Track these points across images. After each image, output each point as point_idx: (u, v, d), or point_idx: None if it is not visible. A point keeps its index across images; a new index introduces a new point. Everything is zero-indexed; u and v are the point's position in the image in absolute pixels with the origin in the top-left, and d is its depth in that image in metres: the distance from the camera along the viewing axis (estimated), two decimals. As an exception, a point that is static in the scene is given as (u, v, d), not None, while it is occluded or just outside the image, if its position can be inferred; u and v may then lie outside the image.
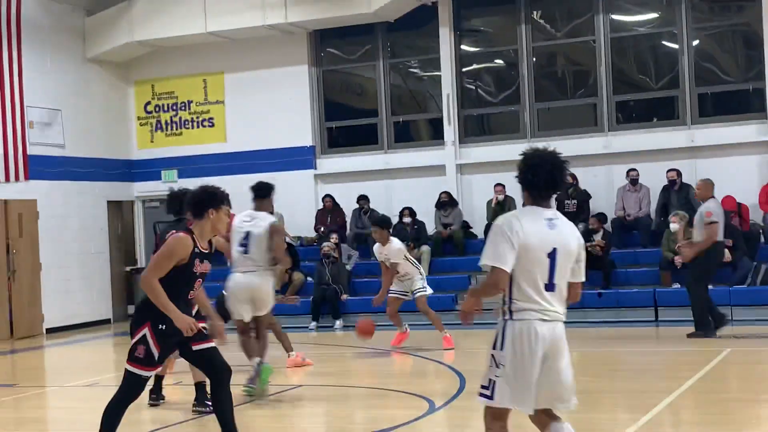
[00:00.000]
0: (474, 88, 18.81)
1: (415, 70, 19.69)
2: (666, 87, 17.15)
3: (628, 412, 7.99)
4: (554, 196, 5.35)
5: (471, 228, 17.60)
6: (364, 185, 18.34)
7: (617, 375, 10.46)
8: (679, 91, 16.84)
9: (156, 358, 6.15)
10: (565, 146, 17.25)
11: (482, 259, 5.22)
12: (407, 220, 17.28)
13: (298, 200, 18.59)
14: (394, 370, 11.61)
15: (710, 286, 13.01)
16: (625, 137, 17.04)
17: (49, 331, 17.12)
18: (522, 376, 5.06)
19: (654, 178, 16.29)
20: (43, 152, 17.62)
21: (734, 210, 15.35)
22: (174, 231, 6.51)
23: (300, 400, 9.54)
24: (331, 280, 16.36)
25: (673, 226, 14.67)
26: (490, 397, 5.15)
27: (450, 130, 17.94)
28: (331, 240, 16.89)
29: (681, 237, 14.21)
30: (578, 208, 16.36)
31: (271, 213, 10.02)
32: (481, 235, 17.20)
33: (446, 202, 17.42)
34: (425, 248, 16.98)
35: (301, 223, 18.44)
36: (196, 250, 6.22)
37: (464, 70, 18.37)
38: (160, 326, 6.11)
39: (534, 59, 17.84)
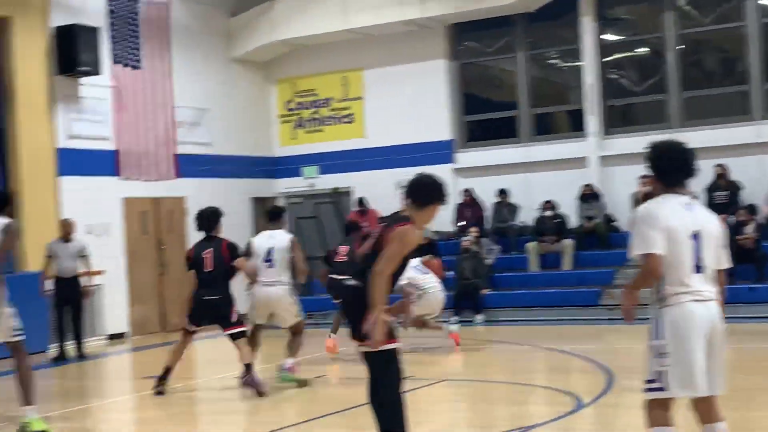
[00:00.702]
0: (617, 77, 18.40)
1: (555, 61, 19.40)
2: (822, 72, 16.38)
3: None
4: (687, 182, 5.37)
5: (615, 221, 17.22)
6: (503, 179, 18.18)
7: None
8: (835, 76, 16.06)
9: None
10: (713, 136, 16.99)
11: (632, 251, 5.21)
12: (548, 213, 17.05)
13: (437, 195, 18.54)
14: (536, 365, 11.47)
15: None
16: (778, 126, 16.35)
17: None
18: (688, 360, 5.01)
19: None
20: (191, 151, 18.16)
21: None
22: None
23: (442, 395, 9.53)
24: (472, 274, 16.28)
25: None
26: (662, 389, 5.09)
27: (592, 121, 17.60)
28: (471, 234, 16.81)
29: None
30: (729, 200, 15.80)
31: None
32: (625, 229, 16.81)
33: (589, 195, 17.10)
34: (567, 242, 16.72)
35: (441, 218, 18.19)
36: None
37: (606, 59, 17.98)
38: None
39: (680, 47, 17.31)
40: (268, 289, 10.28)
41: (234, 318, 10.07)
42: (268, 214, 10.85)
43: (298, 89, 20.31)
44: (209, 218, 10.08)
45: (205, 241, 10.04)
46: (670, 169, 5.29)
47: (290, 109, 20.41)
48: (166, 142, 17.62)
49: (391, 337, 5.90)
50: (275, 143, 20.48)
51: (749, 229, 15.00)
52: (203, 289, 9.96)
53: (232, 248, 10.05)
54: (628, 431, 7.44)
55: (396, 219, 5.98)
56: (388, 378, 5.91)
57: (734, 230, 14.92)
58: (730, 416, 7.35)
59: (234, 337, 10.05)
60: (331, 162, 19.78)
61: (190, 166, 18.01)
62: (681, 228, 5.14)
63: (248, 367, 9.94)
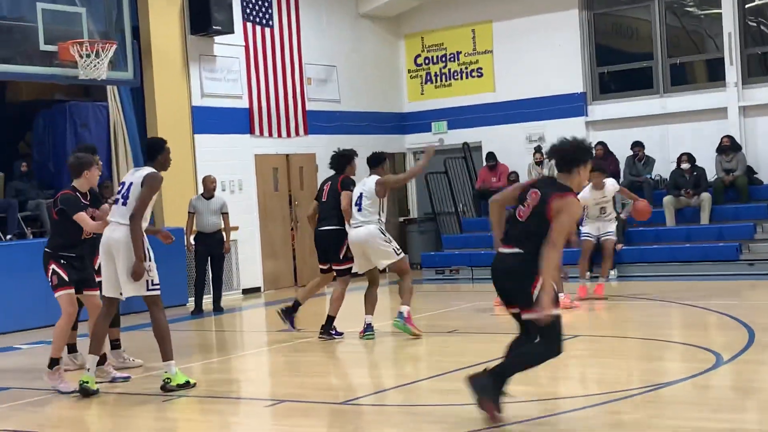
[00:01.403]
0: (757, 24, 17.62)
1: (692, 9, 18.72)
2: None
3: None
4: None
5: (756, 174, 16.61)
6: (637, 131, 17.74)
7: None
8: None
9: None
10: None
11: None
12: (685, 166, 16.55)
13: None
14: (673, 321, 11.19)
15: None
16: None
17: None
18: None
19: None
20: (321, 108, 18.33)
21: None
22: None
23: (576, 350, 9.40)
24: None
25: None
26: None
27: (732, 71, 16.95)
28: (605, 188, 16.44)
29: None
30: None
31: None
32: (766, 181, 16.19)
33: (728, 147, 16.51)
34: (705, 195, 16.21)
35: (574, 172, 18.10)
36: None
37: (747, 6, 17.23)
38: None
39: (826, -11, 16.45)
40: (356, 230, 10.32)
41: (343, 253, 10.18)
42: (368, 160, 10.66)
43: (426, 44, 20.20)
44: (338, 158, 10.67)
45: (331, 177, 10.64)
46: None
47: (418, 65, 20.34)
48: (296, 99, 17.83)
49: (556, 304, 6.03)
50: (404, 99, 20.47)
51: None
52: (320, 222, 10.51)
53: (345, 182, 10.43)
54: (765, 386, 7.22)
55: (557, 187, 6.08)
56: (548, 342, 6.12)
57: None
58: None
59: (339, 273, 10.24)
60: (460, 117, 19.68)
61: (319, 122, 18.19)
62: None
63: (329, 320, 10.33)
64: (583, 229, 12.76)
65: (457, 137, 19.77)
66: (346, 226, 10.53)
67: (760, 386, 7.26)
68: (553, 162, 6.22)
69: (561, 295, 11.25)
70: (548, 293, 5.88)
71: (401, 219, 20.27)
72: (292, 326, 10.99)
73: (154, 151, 8.21)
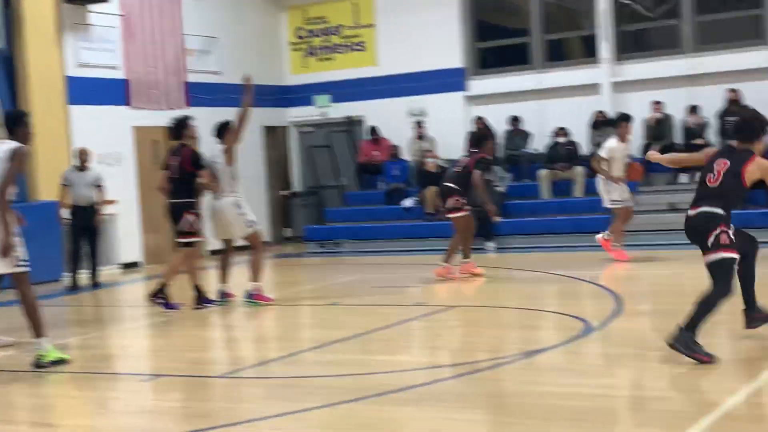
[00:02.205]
0: (630, 2, 18.16)
1: (568, -14, 19.16)
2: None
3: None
4: None
5: (627, 147, 17.14)
6: (515, 106, 18.11)
7: None
8: None
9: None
10: (726, 60, 16.84)
11: None
12: (561, 140, 17.00)
13: (448, 122, 18.55)
14: (547, 291, 11.55)
15: None
16: (792, 49, 16.18)
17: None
18: None
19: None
20: (202, 79, 18.11)
21: None
22: None
23: (453, 319, 9.63)
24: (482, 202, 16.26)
25: None
26: None
27: (605, 47, 17.45)
28: (483, 162, 16.76)
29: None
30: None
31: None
32: (637, 155, 16.73)
33: (601, 122, 17.03)
34: (579, 169, 16.69)
35: (452, 146, 18.37)
36: None
37: (619, -16, 17.75)
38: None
39: (693, -30, 17.07)
40: (214, 201, 10.61)
41: (184, 226, 10.24)
42: (216, 132, 10.83)
43: (308, 16, 20.15)
44: (175, 125, 10.68)
45: (176, 149, 10.62)
46: None
47: (301, 37, 20.28)
48: (176, 70, 17.56)
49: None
50: (286, 72, 20.38)
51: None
52: (169, 195, 10.59)
53: (195, 158, 10.45)
54: (635, 353, 7.53)
55: (744, 155, 6.89)
56: (718, 285, 6.81)
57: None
58: (744, 342, 7.42)
59: (179, 245, 10.31)
60: (343, 90, 19.72)
61: (200, 94, 17.96)
62: None
63: (161, 287, 10.50)
64: (614, 196, 13.20)
65: (340, 111, 19.83)
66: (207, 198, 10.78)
67: (627, 351, 7.57)
68: None
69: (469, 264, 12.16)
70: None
71: (284, 192, 20.24)
72: (170, 307, 10.76)
73: (13, 124, 7.93)
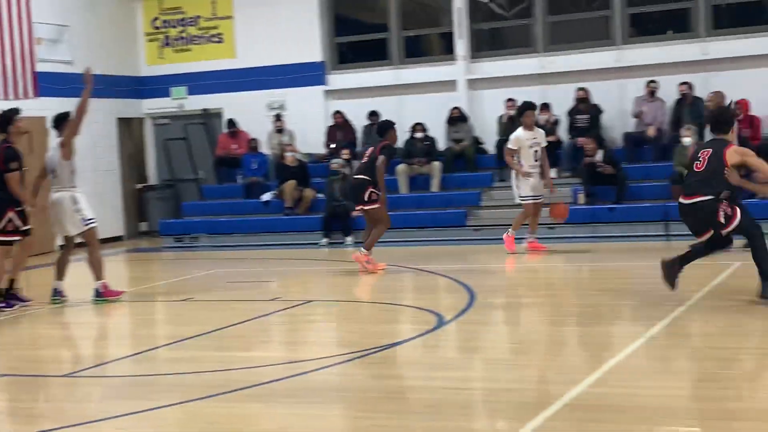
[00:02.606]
0: (486, 1, 18.53)
1: (426, -16, 19.41)
2: (680, -2, 16.90)
3: (636, 324, 8.04)
4: None
5: (482, 144, 17.52)
6: (374, 101, 18.22)
7: (628, 289, 10.51)
8: (693, 3, 16.57)
9: None
10: (576, 60, 17.41)
11: None
12: (418, 135, 17.20)
13: (308, 117, 18.54)
14: (403, 285, 11.69)
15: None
16: (638, 50, 16.82)
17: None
18: None
19: (667, 92, 16.13)
20: (52, 69, 17.53)
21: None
22: None
23: (311, 314, 9.64)
24: (342, 196, 16.35)
25: (686, 140, 14.62)
26: None
27: (461, 45, 17.75)
28: (342, 156, 16.85)
29: (692, 150, 14.10)
30: (590, 123, 16.26)
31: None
32: (492, 151, 17.12)
33: (457, 118, 17.32)
34: (436, 164, 16.93)
35: (312, 140, 18.40)
36: None
37: (475, -18, 18.09)
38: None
39: (546, -29, 17.54)
40: (52, 195, 10.41)
41: (5, 225, 10.03)
42: (53, 124, 10.55)
43: (164, 6, 19.77)
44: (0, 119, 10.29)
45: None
46: None
47: (157, 27, 19.88)
48: (24, 59, 16.92)
49: None
50: (141, 62, 19.96)
51: (598, 157, 15.28)
52: None
53: (8, 153, 10.09)
54: (486, 346, 7.71)
55: (722, 143, 8.39)
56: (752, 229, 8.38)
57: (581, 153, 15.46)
58: (585, 331, 7.70)
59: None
60: (200, 82, 19.45)
61: (51, 84, 17.37)
62: None
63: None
64: (522, 192, 13.15)
65: (197, 103, 19.54)
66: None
67: (478, 345, 7.75)
68: None
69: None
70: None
71: (139, 186, 19.82)
72: (19, 302, 10.39)
73: None
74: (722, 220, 8.25)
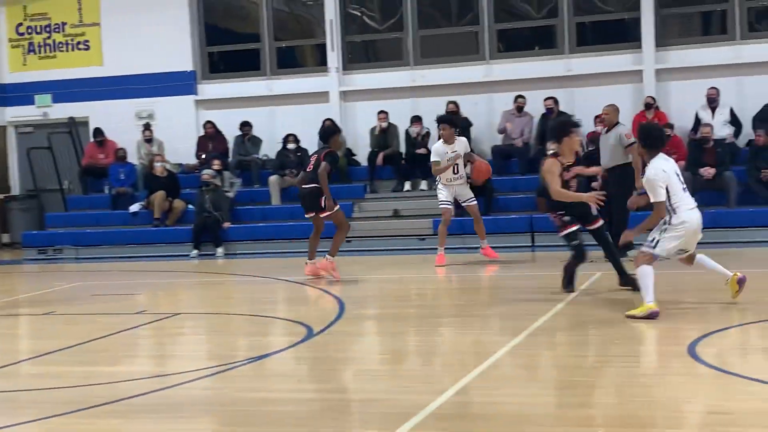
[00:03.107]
0: (359, 14, 18.67)
1: (297, -5, 19.42)
2: (546, 16, 17.37)
3: (502, 334, 8.22)
4: None
5: (354, 155, 17.62)
6: (246, 111, 18.13)
7: (494, 299, 10.73)
8: (558, 20, 17.07)
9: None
10: (446, 74, 17.70)
11: None
12: (291, 146, 17.17)
13: (178, 126, 18.31)
14: (274, 297, 11.64)
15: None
16: (506, 65, 17.24)
17: None
18: None
19: (533, 106, 16.57)
20: None
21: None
22: None
23: (179, 327, 9.50)
24: (212, 207, 16.20)
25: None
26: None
27: (333, 57, 17.83)
28: (213, 167, 16.68)
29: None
30: (460, 136, 16.50)
31: None
32: (364, 163, 17.23)
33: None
34: (308, 175, 16.88)
35: (182, 150, 18.16)
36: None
37: (347, -5, 18.22)
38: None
39: (417, -15, 17.81)
40: None
41: None
42: None
43: (29, 12, 19.22)
44: None
45: None
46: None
47: (20, 33, 19.31)
48: None
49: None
50: (4, 69, 19.34)
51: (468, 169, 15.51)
52: None
53: None
54: (355, 357, 7.75)
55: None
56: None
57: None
58: (454, 340, 7.77)
59: None
60: (66, 90, 18.97)
61: None
62: None
63: None
64: (441, 196, 12.85)
65: (62, 111, 19.04)
66: None
67: (347, 356, 7.77)
68: None
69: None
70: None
71: (0, 196, 19.15)
72: None
73: None
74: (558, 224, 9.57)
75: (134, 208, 17.23)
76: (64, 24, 19.04)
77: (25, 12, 19.21)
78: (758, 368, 6.39)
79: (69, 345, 8.38)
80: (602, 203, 9.43)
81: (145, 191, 17.33)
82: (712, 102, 15.50)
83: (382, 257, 14.66)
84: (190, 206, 16.78)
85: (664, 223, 8.24)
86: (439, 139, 13.01)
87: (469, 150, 13.04)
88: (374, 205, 16.54)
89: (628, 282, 9.66)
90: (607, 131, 12.92)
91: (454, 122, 13.20)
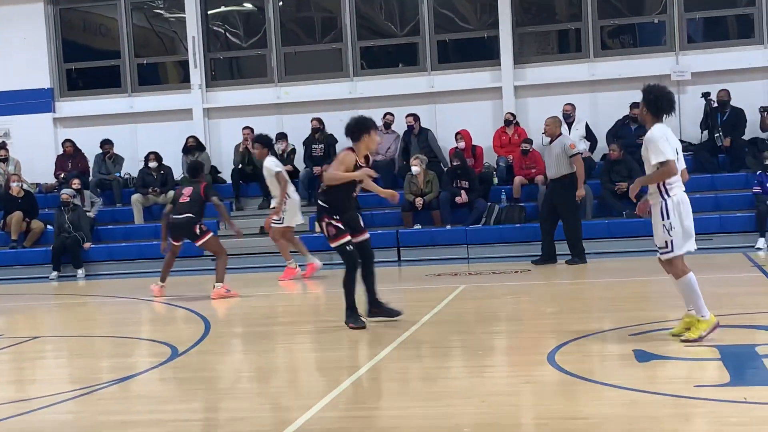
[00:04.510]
0: (222, 31, 18.56)
1: (160, 11, 19.17)
2: (408, 34, 17.64)
3: (368, 347, 8.27)
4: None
5: (219, 173, 17.48)
6: (108, 129, 17.79)
7: (361, 313, 10.78)
8: (420, 38, 17.37)
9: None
10: (311, 91, 17.79)
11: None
12: (153, 164, 16.92)
13: (36, 145, 17.82)
14: (138, 318, 11.42)
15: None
16: (369, 82, 17.44)
17: None
18: None
19: (397, 123, 16.79)
20: None
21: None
22: None
23: (39, 351, 9.22)
24: (72, 227, 15.78)
25: (415, 169, 15.28)
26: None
27: (196, 74, 17.68)
28: (72, 186, 16.27)
29: (421, 179, 14.83)
30: (325, 153, 16.60)
31: None
32: (229, 180, 17.10)
33: (194, 147, 17.20)
34: (171, 194, 16.66)
35: (40, 169, 17.67)
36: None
37: (211, 12, 18.08)
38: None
39: (281, 3, 17.83)
40: None
41: None
42: None
43: None
44: None
45: None
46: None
47: None
48: None
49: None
50: None
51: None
52: None
53: None
54: (219, 376, 7.67)
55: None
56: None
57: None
58: (321, 357, 7.78)
59: None
60: None
61: None
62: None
63: None
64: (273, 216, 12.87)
65: None
66: None
67: (212, 375, 7.68)
68: None
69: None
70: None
71: None
72: None
73: None
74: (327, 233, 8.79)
75: (-13, 229, 16.63)
76: None
77: None
78: (614, 374, 6.63)
79: None
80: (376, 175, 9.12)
81: (1, 212, 16.74)
82: (568, 117, 16.04)
83: (248, 275, 14.56)
84: (50, 227, 16.30)
85: (663, 217, 7.24)
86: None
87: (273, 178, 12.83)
88: (240, 222, 16.38)
89: (377, 313, 9.06)
90: (550, 142, 13.31)
91: (267, 142, 13.17)
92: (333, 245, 8.85)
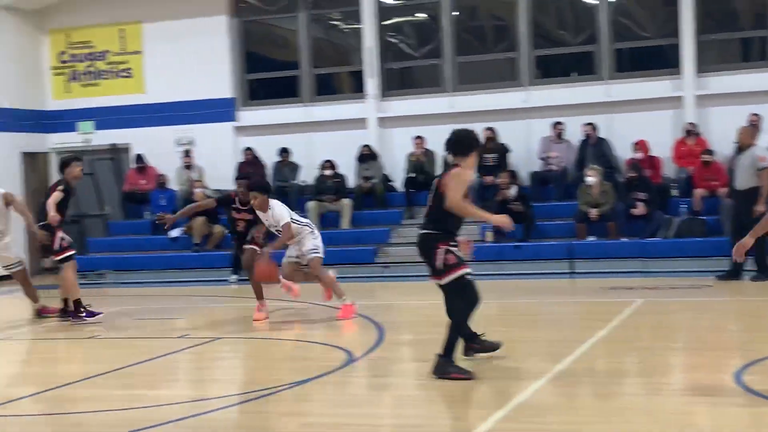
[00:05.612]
0: (396, 41, 18.77)
1: (336, 23, 19.56)
2: (584, 42, 17.35)
3: (543, 360, 8.16)
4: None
5: (391, 181, 17.65)
6: (285, 138, 18.24)
7: (534, 325, 10.66)
8: (596, 46, 17.06)
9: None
10: (484, 100, 17.70)
11: None
12: (328, 172, 17.25)
13: (218, 153, 18.46)
14: (314, 322, 11.64)
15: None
16: (544, 92, 17.22)
17: None
18: None
19: (571, 132, 16.53)
20: (-47, 102, 17.15)
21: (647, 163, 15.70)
22: None
23: (218, 352, 9.54)
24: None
25: (590, 180, 14.99)
26: None
27: (371, 84, 17.92)
28: (252, 193, 16.74)
29: (597, 190, 14.55)
30: (497, 162, 16.51)
31: None
32: (401, 189, 17.26)
33: (367, 156, 17.43)
34: (346, 201, 17.00)
35: (222, 176, 18.26)
36: None
37: (385, 23, 18.31)
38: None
39: (455, 13, 17.87)
40: None
41: None
42: None
43: (72, 40, 19.52)
44: None
45: None
46: None
47: (64, 62, 19.61)
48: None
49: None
50: (48, 96, 19.63)
51: (512, 192, 15.57)
52: None
53: None
54: (396, 382, 7.72)
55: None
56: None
57: (493, 190, 15.72)
58: (494, 365, 7.77)
59: None
60: (108, 117, 19.23)
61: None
62: None
63: None
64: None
65: (104, 138, 19.28)
66: None
67: (387, 381, 7.75)
68: None
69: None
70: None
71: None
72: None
73: None
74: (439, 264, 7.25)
75: (174, 233, 17.37)
76: (106, 52, 19.32)
77: (67, 40, 19.52)
78: None
79: (111, 369, 8.44)
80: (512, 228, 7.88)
81: (185, 217, 17.43)
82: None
83: (419, 283, 14.61)
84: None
85: None
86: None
87: (288, 217, 10.77)
88: (412, 231, 16.47)
89: (478, 349, 7.91)
90: (741, 152, 12.95)
91: (266, 189, 10.93)
92: (450, 277, 7.29)
